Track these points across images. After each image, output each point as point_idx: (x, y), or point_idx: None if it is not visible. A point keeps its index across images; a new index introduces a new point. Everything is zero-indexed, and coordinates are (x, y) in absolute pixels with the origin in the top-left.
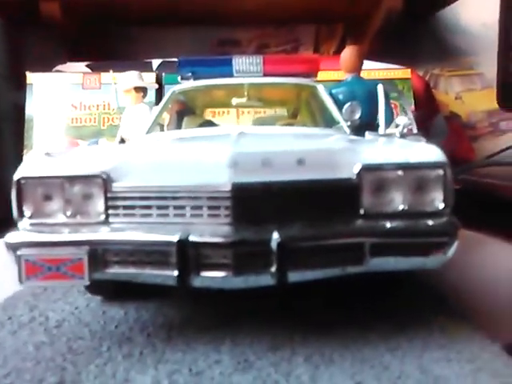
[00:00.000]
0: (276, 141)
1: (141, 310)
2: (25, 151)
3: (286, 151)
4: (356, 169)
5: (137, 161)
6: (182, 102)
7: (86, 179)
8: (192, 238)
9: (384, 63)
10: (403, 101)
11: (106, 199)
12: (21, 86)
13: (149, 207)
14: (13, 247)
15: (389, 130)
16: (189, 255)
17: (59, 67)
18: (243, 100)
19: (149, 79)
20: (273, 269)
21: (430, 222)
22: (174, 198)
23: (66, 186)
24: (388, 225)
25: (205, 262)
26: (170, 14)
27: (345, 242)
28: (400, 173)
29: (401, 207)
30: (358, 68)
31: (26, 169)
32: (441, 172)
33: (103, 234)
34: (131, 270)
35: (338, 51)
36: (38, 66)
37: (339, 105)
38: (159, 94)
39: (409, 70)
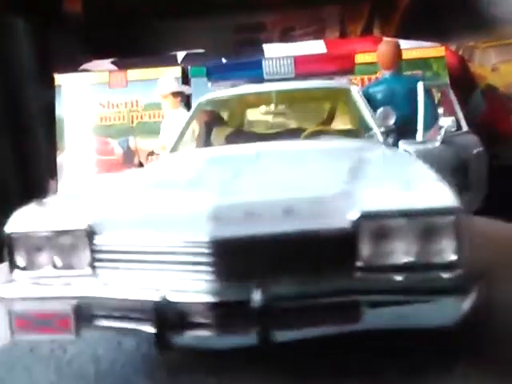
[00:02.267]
0: (266, 184)
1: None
2: (58, 152)
3: (271, 201)
4: (352, 216)
5: (118, 215)
6: (210, 112)
7: (71, 233)
8: (171, 298)
9: (415, 41)
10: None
11: (92, 252)
12: (49, 87)
13: (131, 261)
14: (4, 301)
15: (432, 133)
16: (167, 315)
17: (85, 66)
18: (271, 108)
19: (174, 73)
20: (256, 329)
21: (438, 277)
22: (155, 253)
23: (52, 240)
24: (388, 280)
25: (185, 321)
26: (190, 3)
27: (337, 300)
28: (403, 220)
29: (404, 259)
30: (396, 64)
31: (15, 223)
32: (451, 219)
33: (88, 289)
34: (117, 324)
35: (365, 32)
36: (64, 65)
37: (377, 105)
38: (186, 84)
39: (442, 48)
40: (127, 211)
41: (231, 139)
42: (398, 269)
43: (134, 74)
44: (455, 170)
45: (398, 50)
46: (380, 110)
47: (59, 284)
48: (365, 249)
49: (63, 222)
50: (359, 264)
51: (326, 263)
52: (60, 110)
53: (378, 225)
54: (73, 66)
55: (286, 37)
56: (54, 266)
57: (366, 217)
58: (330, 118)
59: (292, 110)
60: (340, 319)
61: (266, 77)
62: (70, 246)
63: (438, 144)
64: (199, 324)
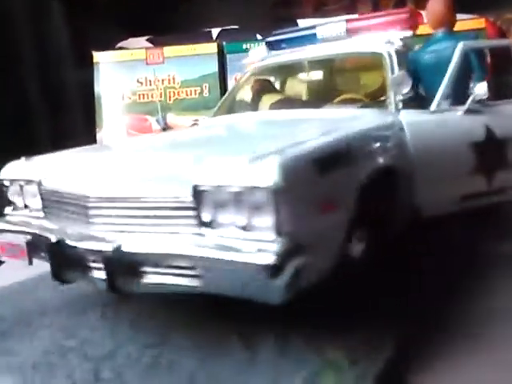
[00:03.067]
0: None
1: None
2: (97, 129)
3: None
4: (190, 188)
5: (59, 170)
6: (259, 79)
7: (30, 182)
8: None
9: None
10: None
11: (42, 199)
12: (85, 65)
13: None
14: None
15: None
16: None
17: (121, 44)
18: (309, 75)
19: (210, 49)
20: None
21: (251, 252)
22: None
23: (23, 186)
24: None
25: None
26: None
27: (178, 264)
28: (228, 195)
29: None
30: (449, 20)
31: (3, 171)
32: (266, 196)
33: (37, 226)
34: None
35: (398, 6)
36: (100, 43)
37: (427, 69)
38: (221, 63)
39: (482, 20)
40: (65, 167)
41: (275, 106)
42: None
43: (170, 50)
44: (478, 146)
45: (450, 5)
46: (393, 76)
47: (22, 223)
48: (205, 217)
49: (29, 173)
50: (199, 230)
51: (171, 226)
52: (98, 88)
53: (207, 198)
54: (109, 44)
55: (318, 12)
56: (26, 209)
57: (196, 189)
58: (362, 83)
59: (329, 75)
60: (180, 280)
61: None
62: (31, 193)
63: (460, 113)
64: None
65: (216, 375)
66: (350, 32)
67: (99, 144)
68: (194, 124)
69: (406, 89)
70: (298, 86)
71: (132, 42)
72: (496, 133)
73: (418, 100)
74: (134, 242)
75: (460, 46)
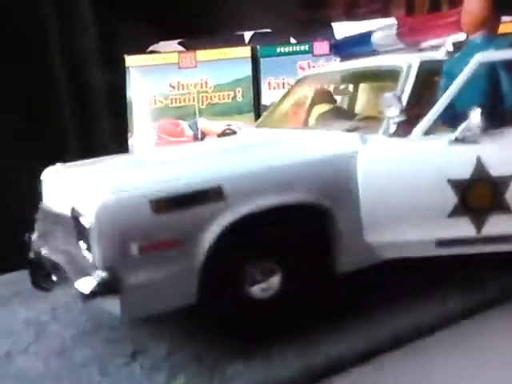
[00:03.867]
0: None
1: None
2: (129, 134)
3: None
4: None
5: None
6: (311, 88)
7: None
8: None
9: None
10: None
11: None
12: (114, 69)
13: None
14: None
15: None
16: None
17: (152, 47)
18: (343, 87)
19: (244, 53)
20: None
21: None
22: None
23: None
24: None
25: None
26: None
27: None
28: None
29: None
30: (489, 23)
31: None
32: (89, 225)
33: None
34: None
35: (433, 9)
36: (129, 47)
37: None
38: (254, 67)
39: None
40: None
41: (322, 117)
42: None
43: (203, 54)
44: (463, 183)
45: (490, 5)
46: (383, 97)
47: None
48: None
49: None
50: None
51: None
52: (129, 92)
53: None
54: (139, 48)
55: (350, 14)
56: None
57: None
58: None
59: (356, 90)
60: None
61: (377, 49)
62: None
63: (445, 144)
64: None
65: None
66: (401, 36)
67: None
68: (227, 129)
69: (394, 111)
70: (342, 98)
71: (163, 45)
72: (490, 168)
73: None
74: None
75: (476, 57)
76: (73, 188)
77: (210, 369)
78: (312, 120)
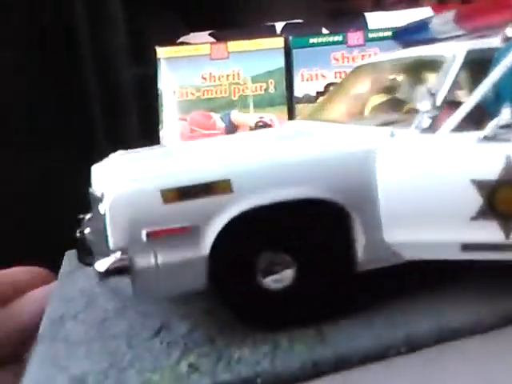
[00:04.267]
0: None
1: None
2: (160, 126)
3: None
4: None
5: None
6: (367, 78)
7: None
8: None
9: None
10: None
11: None
12: (143, 60)
13: None
14: None
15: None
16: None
17: (183, 38)
18: (397, 77)
19: (277, 44)
20: None
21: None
22: None
23: None
24: None
25: None
26: None
27: None
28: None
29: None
30: None
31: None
32: (102, 210)
33: None
34: None
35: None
36: (159, 38)
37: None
38: (287, 58)
39: None
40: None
41: (379, 108)
42: None
43: (235, 45)
44: (489, 184)
45: None
46: (415, 90)
47: None
48: None
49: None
50: None
51: None
52: (160, 84)
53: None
54: (169, 39)
55: (378, 5)
56: None
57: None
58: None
59: (408, 80)
60: None
61: (437, 36)
62: None
63: (473, 141)
64: None
65: None
66: (460, 22)
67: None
68: (259, 122)
69: (425, 106)
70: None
71: (194, 36)
72: None
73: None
74: None
75: None
76: (106, 174)
77: (218, 351)
78: (367, 112)
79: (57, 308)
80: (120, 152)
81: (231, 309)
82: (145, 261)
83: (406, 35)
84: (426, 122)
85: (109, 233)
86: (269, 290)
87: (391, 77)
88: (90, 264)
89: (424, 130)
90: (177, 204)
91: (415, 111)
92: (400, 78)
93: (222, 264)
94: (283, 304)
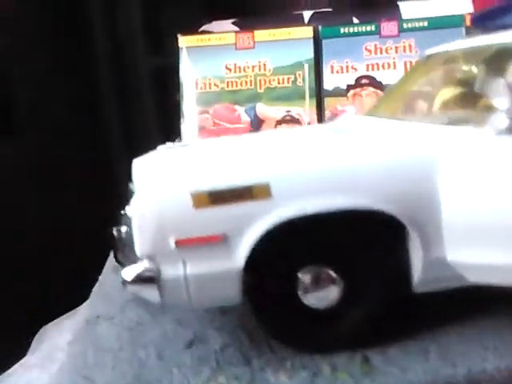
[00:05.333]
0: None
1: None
2: (181, 120)
3: None
4: None
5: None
6: (437, 68)
7: None
8: None
9: None
10: None
11: None
12: (161, 50)
13: None
14: None
15: None
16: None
17: (205, 27)
18: (473, 67)
19: (305, 33)
20: None
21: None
22: None
23: None
24: None
25: None
26: None
27: None
28: None
29: None
30: None
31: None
32: (129, 213)
33: None
34: None
35: None
36: (179, 27)
37: None
38: (316, 49)
39: None
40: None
41: (450, 101)
42: None
43: (261, 34)
44: None
45: None
46: (488, 83)
47: None
48: None
49: None
50: None
51: None
52: (182, 75)
53: None
54: (190, 28)
55: None
56: None
57: None
58: None
59: (486, 71)
60: None
61: None
62: None
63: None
64: None
65: None
66: None
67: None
68: (287, 116)
69: (503, 104)
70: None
71: (216, 25)
72: None
73: None
74: None
75: None
76: (143, 170)
77: (252, 373)
78: (435, 107)
79: (95, 306)
80: (168, 145)
81: (267, 328)
82: (173, 271)
83: (487, 19)
84: (504, 122)
85: (135, 238)
86: (310, 309)
87: (465, 68)
88: (124, 264)
89: (501, 132)
90: (209, 209)
91: (491, 109)
92: (476, 69)
93: (258, 278)
94: (326, 325)
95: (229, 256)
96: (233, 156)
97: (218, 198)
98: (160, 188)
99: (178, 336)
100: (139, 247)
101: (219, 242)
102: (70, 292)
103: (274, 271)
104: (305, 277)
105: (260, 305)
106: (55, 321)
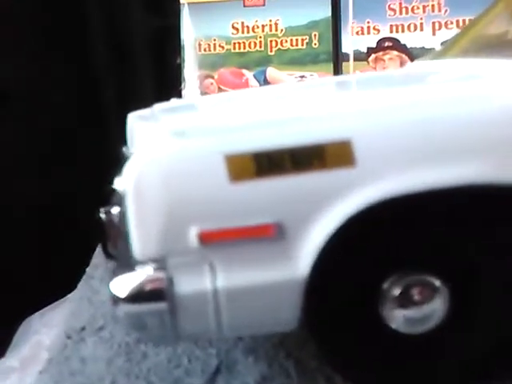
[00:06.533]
0: None
1: None
2: (182, 85)
3: None
4: None
5: None
6: None
7: None
8: None
9: None
10: None
11: None
12: (159, 11)
13: None
14: None
15: None
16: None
17: None
18: None
19: None
20: None
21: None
22: None
23: None
24: None
25: None
26: None
27: None
28: None
29: None
30: None
31: None
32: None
33: None
34: None
35: None
36: None
37: None
38: (334, 8)
39: None
40: None
41: None
42: None
43: None
44: None
45: None
46: None
47: None
48: None
49: None
50: None
51: None
52: (184, 36)
53: None
54: None
55: None
56: None
57: None
58: None
59: None
60: None
61: None
62: None
63: None
64: None
65: None
66: None
67: None
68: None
69: None
70: None
71: None
72: None
73: None
74: None
75: None
76: (143, 126)
77: None
78: None
79: (78, 315)
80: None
81: (332, 360)
82: (195, 282)
83: None
84: None
85: (132, 230)
86: (401, 334)
87: None
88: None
89: None
90: (254, 183)
91: None
92: None
93: (327, 289)
94: (424, 356)
95: (285, 258)
96: (287, 104)
97: (271, 165)
98: (172, 149)
99: (194, 364)
100: (139, 246)
101: (270, 236)
102: (59, 281)
103: (353, 279)
104: (393, 288)
105: (324, 328)
106: (40, 311)
